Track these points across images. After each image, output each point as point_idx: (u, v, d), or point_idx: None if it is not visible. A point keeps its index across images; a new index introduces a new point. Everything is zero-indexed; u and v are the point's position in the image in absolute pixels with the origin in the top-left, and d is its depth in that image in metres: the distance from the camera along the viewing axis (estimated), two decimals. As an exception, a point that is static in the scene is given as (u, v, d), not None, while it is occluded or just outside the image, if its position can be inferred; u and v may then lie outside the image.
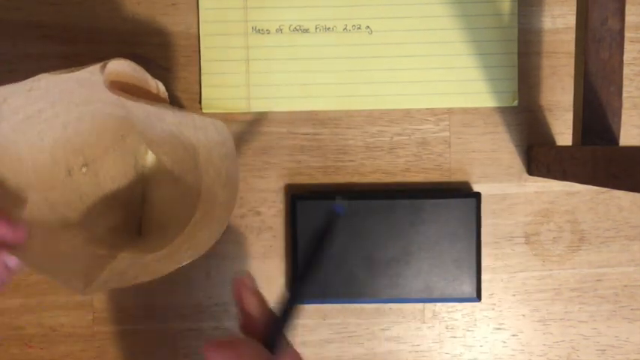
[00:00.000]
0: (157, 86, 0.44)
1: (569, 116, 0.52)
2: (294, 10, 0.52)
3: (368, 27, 0.52)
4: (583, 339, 0.54)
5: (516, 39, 0.53)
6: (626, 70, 0.51)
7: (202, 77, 0.52)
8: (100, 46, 0.52)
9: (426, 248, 0.51)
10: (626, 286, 0.54)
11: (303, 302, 0.34)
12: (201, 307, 0.53)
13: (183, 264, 0.39)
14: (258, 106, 0.53)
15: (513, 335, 0.54)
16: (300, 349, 0.54)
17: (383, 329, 0.53)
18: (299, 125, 0.53)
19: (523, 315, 0.54)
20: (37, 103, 0.40)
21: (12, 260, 0.38)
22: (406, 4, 0.52)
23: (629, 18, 0.51)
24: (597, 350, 0.54)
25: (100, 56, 0.52)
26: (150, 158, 0.48)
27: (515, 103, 0.53)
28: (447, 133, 0.53)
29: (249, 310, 0.36)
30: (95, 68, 0.38)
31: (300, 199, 0.50)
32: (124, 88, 0.39)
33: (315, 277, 0.34)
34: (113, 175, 0.47)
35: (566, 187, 0.53)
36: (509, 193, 0.53)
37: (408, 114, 0.53)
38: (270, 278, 0.53)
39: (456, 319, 0.53)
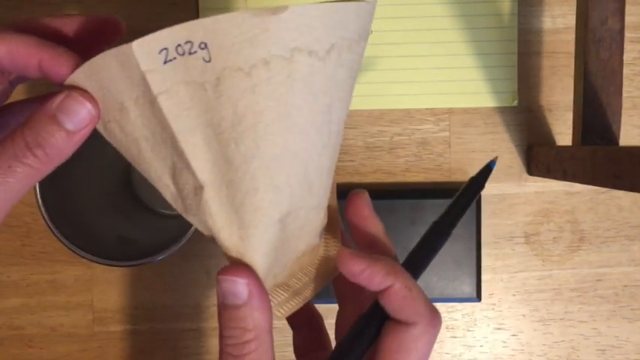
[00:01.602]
0: None
1: (569, 116, 0.52)
2: (294, 10, 0.52)
3: (368, 27, 0.52)
4: (583, 339, 0.54)
5: (516, 39, 0.53)
6: (626, 70, 0.51)
7: (202, 77, 0.52)
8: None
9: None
10: (626, 286, 0.54)
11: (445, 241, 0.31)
12: (201, 307, 0.53)
13: None
14: (258, 106, 0.53)
15: (513, 335, 0.54)
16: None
17: (383, 329, 0.53)
18: (299, 125, 0.53)
19: (523, 315, 0.54)
20: None
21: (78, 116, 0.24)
22: (406, 4, 0.52)
23: (629, 18, 0.51)
24: (597, 350, 0.54)
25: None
26: None
27: (515, 103, 0.53)
28: (447, 133, 0.53)
29: (375, 231, 0.31)
30: None
31: (300, 199, 0.50)
32: None
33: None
34: None
35: (566, 187, 0.53)
36: (509, 193, 0.53)
37: (408, 114, 0.53)
38: (270, 278, 0.53)
39: (456, 319, 0.53)
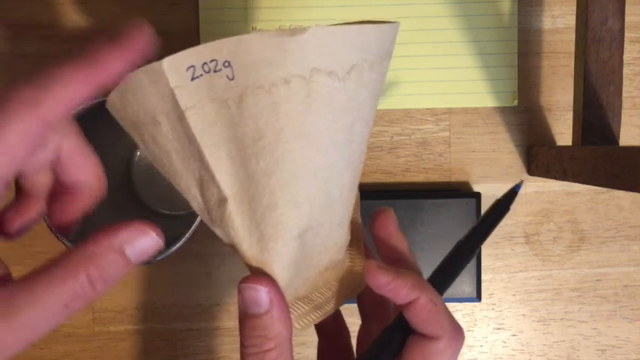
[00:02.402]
0: None
1: (569, 116, 0.52)
2: (294, 11, 0.52)
3: (368, 27, 0.52)
4: (583, 339, 0.54)
5: (516, 39, 0.53)
6: (626, 70, 0.51)
7: (202, 77, 0.52)
8: (100, 46, 0.52)
9: (426, 248, 0.51)
10: (626, 286, 0.54)
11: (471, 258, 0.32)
12: (201, 307, 0.53)
13: None
14: (258, 106, 0.53)
15: (513, 335, 0.54)
16: (299, 349, 0.54)
17: (383, 329, 0.53)
18: (299, 125, 0.53)
19: (523, 315, 0.54)
20: None
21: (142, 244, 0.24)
22: (406, 4, 0.52)
23: (629, 18, 0.51)
24: (597, 350, 0.54)
25: (100, 56, 0.52)
26: None
27: (515, 103, 0.53)
28: (447, 133, 0.53)
29: (400, 247, 0.31)
30: None
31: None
32: None
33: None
34: None
35: (566, 187, 0.53)
36: (509, 193, 0.53)
37: (408, 114, 0.53)
38: (270, 278, 0.53)
39: (456, 319, 0.53)
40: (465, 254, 0.31)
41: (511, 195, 0.32)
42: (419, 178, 0.53)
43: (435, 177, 0.53)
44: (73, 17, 0.52)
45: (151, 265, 0.49)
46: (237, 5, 0.52)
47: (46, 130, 0.22)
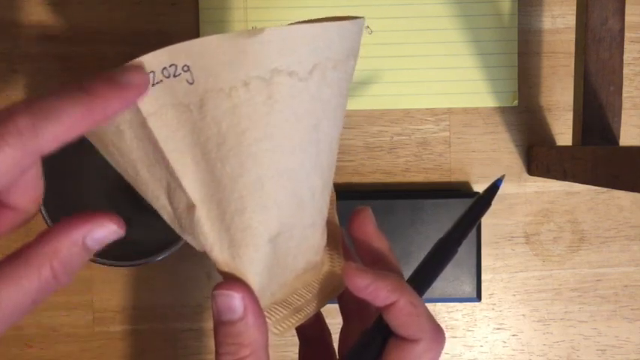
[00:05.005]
0: None
1: (569, 116, 0.52)
2: (294, 10, 0.52)
3: (368, 27, 0.52)
4: (583, 339, 0.54)
5: (516, 39, 0.53)
6: (626, 70, 0.51)
7: (202, 77, 0.52)
8: (100, 45, 0.52)
9: (426, 248, 0.50)
10: (626, 286, 0.54)
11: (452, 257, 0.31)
12: (201, 307, 0.53)
13: None
14: (258, 106, 0.52)
15: (513, 335, 0.54)
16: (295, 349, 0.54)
17: (383, 329, 0.53)
18: (299, 125, 0.53)
19: (523, 315, 0.54)
20: None
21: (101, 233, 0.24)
22: (406, 4, 0.52)
23: (629, 18, 0.51)
24: (597, 350, 0.54)
25: (100, 56, 0.52)
26: None
27: (515, 103, 0.53)
28: (447, 133, 0.53)
29: (380, 247, 0.30)
30: None
31: (300, 199, 0.50)
32: None
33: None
34: None
35: (566, 187, 0.53)
36: (509, 193, 0.53)
37: (408, 114, 0.53)
38: (270, 278, 0.53)
39: (456, 319, 0.53)
40: (447, 252, 0.31)
41: (492, 190, 0.31)
42: (419, 178, 0.53)
43: (435, 177, 0.53)
44: (73, 18, 0.52)
45: (151, 265, 0.49)
46: (237, 5, 0.52)
47: (37, 161, 0.22)
